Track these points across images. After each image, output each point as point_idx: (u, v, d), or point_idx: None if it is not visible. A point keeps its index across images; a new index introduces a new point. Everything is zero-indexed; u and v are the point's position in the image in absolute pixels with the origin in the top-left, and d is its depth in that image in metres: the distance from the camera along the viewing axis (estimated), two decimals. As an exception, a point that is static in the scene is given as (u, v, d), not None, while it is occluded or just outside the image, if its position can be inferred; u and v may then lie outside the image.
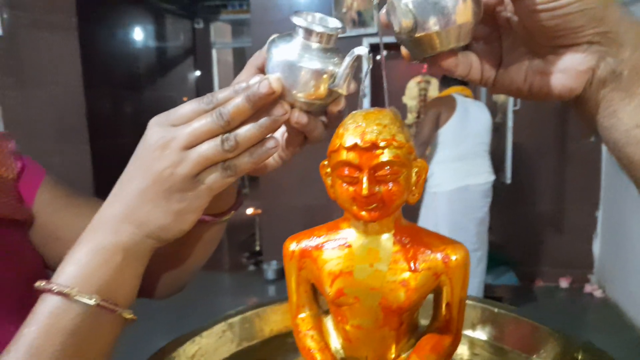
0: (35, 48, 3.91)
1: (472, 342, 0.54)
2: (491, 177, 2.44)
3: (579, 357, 0.45)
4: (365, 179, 0.31)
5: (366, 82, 3.30)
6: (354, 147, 0.31)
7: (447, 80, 2.52)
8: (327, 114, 0.38)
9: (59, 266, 0.37)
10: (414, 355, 0.33)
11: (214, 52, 5.77)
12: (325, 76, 0.35)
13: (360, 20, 3.61)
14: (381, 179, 0.31)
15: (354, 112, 0.34)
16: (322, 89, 0.35)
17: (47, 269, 0.56)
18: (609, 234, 3.15)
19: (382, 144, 0.31)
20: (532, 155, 3.26)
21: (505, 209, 3.46)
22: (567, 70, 0.35)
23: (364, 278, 0.33)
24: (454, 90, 2.41)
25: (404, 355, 0.34)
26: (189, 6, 5.48)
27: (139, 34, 4.83)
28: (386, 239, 0.34)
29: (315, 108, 0.36)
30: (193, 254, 0.52)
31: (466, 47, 0.37)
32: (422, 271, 0.33)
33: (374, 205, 0.32)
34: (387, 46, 0.44)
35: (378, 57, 0.41)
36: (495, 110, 3.41)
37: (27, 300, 0.41)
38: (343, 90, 0.35)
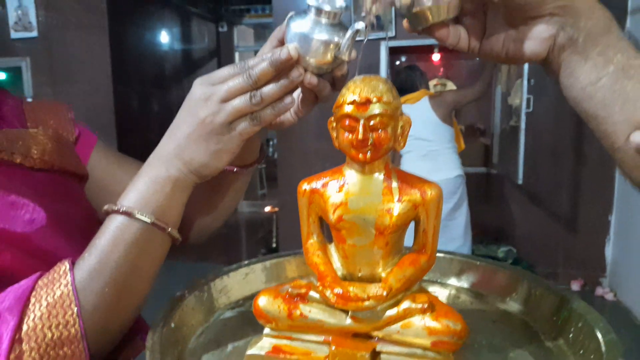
0: (67, 47, 4.10)
1: (457, 289, 0.63)
2: (454, 173, 2.58)
3: (539, 293, 0.54)
4: (361, 127, 0.41)
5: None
6: (353, 102, 0.41)
7: (403, 87, 2.74)
8: (334, 76, 0.48)
9: (122, 193, 0.47)
10: (396, 268, 0.43)
11: (237, 55, 5.93)
12: (332, 45, 0.45)
13: (379, 24, 3.69)
14: (373, 127, 0.41)
15: (354, 77, 0.44)
16: (330, 56, 0.45)
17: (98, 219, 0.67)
18: (621, 238, 3.16)
19: (374, 99, 0.40)
20: (546, 157, 3.30)
21: (518, 209, 3.50)
22: (534, 38, 0.44)
23: (358, 207, 0.43)
24: (405, 98, 2.63)
25: (388, 269, 0.43)
26: (214, 10, 5.65)
27: (165, 36, 5.01)
28: (377, 177, 0.43)
29: (323, 71, 0.47)
30: (222, 201, 0.62)
31: (456, 21, 0.47)
32: (404, 202, 0.42)
33: (368, 147, 0.41)
34: (404, 50, 0.53)
35: (397, 62, 0.50)
36: (510, 113, 3.46)
37: (88, 235, 0.52)
38: (346, 56, 0.45)
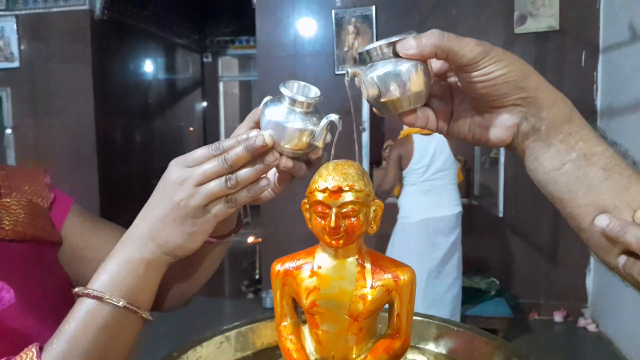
0: (49, 78, 4.08)
1: (435, 356, 0.63)
2: (456, 210, 2.60)
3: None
4: (333, 215, 0.41)
5: (365, 117, 3.44)
6: (325, 190, 0.41)
7: None
8: (309, 158, 0.49)
9: (93, 275, 0.47)
10: (370, 356, 0.42)
11: (221, 85, 5.98)
12: (306, 133, 0.46)
13: (361, 59, 3.78)
14: (345, 215, 0.41)
15: (326, 162, 0.44)
16: (304, 143, 0.46)
17: (71, 286, 0.65)
18: (601, 269, 3.17)
19: (345, 188, 0.41)
20: (526, 189, 3.35)
21: (500, 241, 3.53)
22: (499, 125, 0.46)
23: (332, 293, 0.43)
24: (414, 131, 2.58)
25: (362, 356, 0.43)
26: (199, 41, 5.72)
27: (150, 66, 5.03)
28: (350, 262, 0.43)
29: (298, 155, 0.47)
30: (198, 271, 0.61)
31: (425, 104, 0.48)
32: (377, 288, 0.43)
33: (340, 235, 0.42)
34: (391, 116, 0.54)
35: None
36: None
37: (59, 307, 0.51)
38: (320, 143, 0.46)
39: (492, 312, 3.19)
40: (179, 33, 5.36)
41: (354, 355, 0.43)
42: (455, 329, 0.63)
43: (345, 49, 3.80)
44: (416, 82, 0.44)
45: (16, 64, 4.10)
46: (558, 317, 3.33)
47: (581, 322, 3.25)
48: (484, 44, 0.42)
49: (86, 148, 4.01)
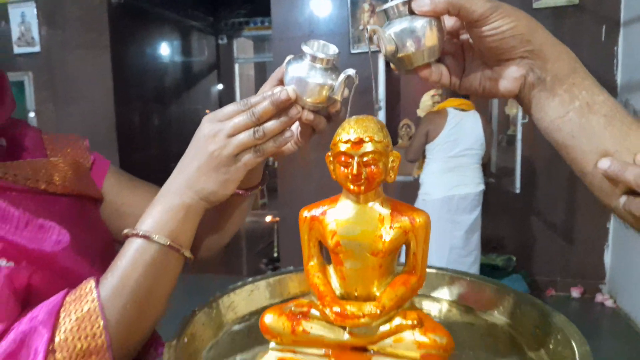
0: (69, 65, 4.16)
1: (448, 303, 0.67)
2: (479, 188, 2.60)
3: (522, 307, 0.59)
4: (355, 163, 0.46)
5: (381, 97, 3.46)
6: (348, 141, 0.46)
7: (449, 92, 2.70)
8: (329, 112, 0.54)
9: (136, 215, 0.53)
10: (389, 288, 0.47)
11: (237, 67, 6.01)
12: (326, 87, 0.50)
13: (376, 39, 3.77)
14: (366, 163, 0.46)
15: (347, 117, 0.49)
16: (324, 96, 0.51)
17: (113, 240, 0.72)
18: (620, 245, 3.20)
19: (366, 139, 0.45)
20: (543, 166, 3.35)
21: (516, 218, 3.54)
22: (507, 77, 0.49)
23: (354, 234, 0.48)
24: (449, 104, 2.59)
25: (382, 289, 0.48)
26: (213, 23, 5.74)
27: (166, 50, 5.08)
28: (371, 206, 0.48)
29: (319, 109, 0.52)
30: (228, 223, 0.67)
31: (439, 60, 0.52)
32: (395, 229, 0.47)
33: (362, 181, 0.46)
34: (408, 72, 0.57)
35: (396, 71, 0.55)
36: (508, 123, 3.52)
37: (105, 257, 0.57)
38: (338, 97, 0.51)
39: (508, 288, 3.21)
40: (193, 16, 5.39)
41: (374, 289, 0.48)
42: (468, 278, 0.68)
43: (361, 27, 3.79)
44: (430, 38, 0.47)
45: (37, 49, 4.18)
46: (575, 293, 3.35)
47: (598, 297, 3.26)
48: (493, 0, 0.46)
49: (106, 133, 4.09)
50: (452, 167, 2.55)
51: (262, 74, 6.83)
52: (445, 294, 0.69)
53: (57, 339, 0.46)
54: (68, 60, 4.15)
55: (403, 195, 3.10)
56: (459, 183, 2.54)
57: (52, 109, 4.24)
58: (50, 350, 0.46)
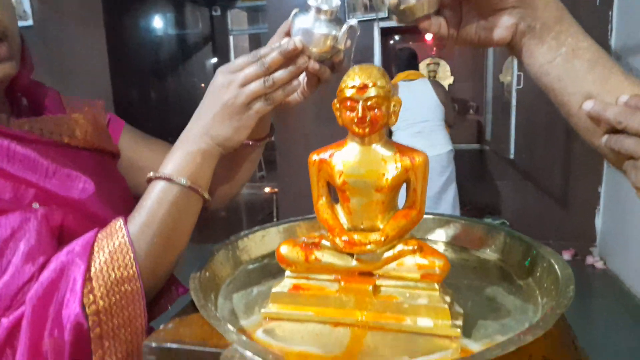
0: (62, 40, 4.12)
1: (443, 244, 0.73)
2: (446, 149, 2.75)
3: (512, 243, 0.64)
4: (360, 107, 0.50)
5: (377, 63, 3.46)
6: (353, 87, 0.50)
7: (398, 66, 2.93)
8: (332, 62, 0.58)
9: (162, 164, 0.57)
10: (392, 220, 0.53)
11: (231, 39, 5.96)
12: (330, 37, 0.55)
13: (371, 6, 3.75)
14: (370, 107, 0.50)
15: (354, 66, 0.53)
16: (328, 46, 0.55)
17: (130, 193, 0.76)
18: (611, 209, 3.28)
19: (370, 84, 0.50)
20: (537, 132, 3.39)
21: (510, 184, 3.61)
22: (500, 26, 0.54)
23: (360, 173, 0.52)
24: (397, 79, 2.81)
25: (385, 222, 0.53)
26: (207, -6, 5.66)
27: (160, 23, 5.03)
28: (375, 147, 0.53)
29: (324, 58, 0.57)
30: (238, 173, 0.72)
31: (437, 13, 0.56)
32: (397, 168, 0.52)
33: (366, 124, 0.51)
34: (397, 30, 0.61)
35: (392, 42, 0.59)
36: (502, 90, 3.54)
37: (125, 206, 0.62)
38: (342, 46, 0.55)
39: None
40: (186, -13, 5.31)
41: (378, 222, 0.53)
42: (462, 221, 0.73)
43: (356, -4, 3.76)
44: None
45: (30, 22, 4.12)
46: (566, 255, 3.45)
47: (589, 260, 3.37)
48: None
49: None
50: (417, 132, 2.71)
51: (256, 46, 6.76)
52: (441, 235, 0.74)
53: (92, 270, 0.51)
54: (61, 36, 4.10)
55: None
56: (426, 146, 2.64)
57: (48, 83, 4.20)
58: (87, 279, 0.51)
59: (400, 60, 3.00)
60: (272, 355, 0.42)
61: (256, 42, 6.74)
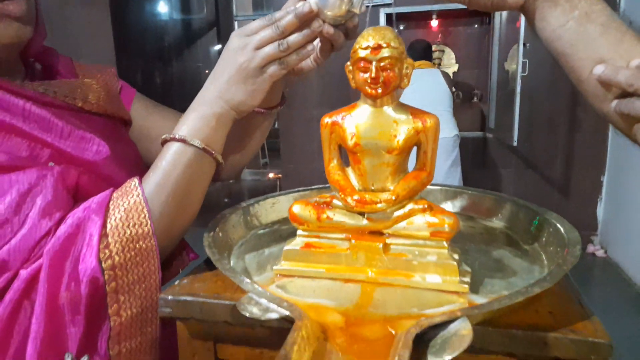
0: (68, 21, 4.10)
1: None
2: (452, 133, 2.86)
3: (518, 211, 0.65)
4: (373, 67, 0.51)
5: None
6: (367, 48, 0.51)
7: (412, 56, 3.02)
8: (347, 27, 0.58)
9: (175, 126, 0.58)
10: (402, 181, 0.53)
11: (236, 24, 5.91)
12: (345, 1, 0.55)
13: (378, -10, 3.72)
14: (383, 68, 0.51)
15: (367, 27, 0.53)
16: (343, 10, 0.55)
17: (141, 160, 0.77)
18: (613, 198, 3.29)
19: (383, 45, 0.50)
20: (541, 120, 3.39)
21: (514, 172, 3.61)
22: None
23: (371, 135, 0.53)
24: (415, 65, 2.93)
25: (396, 183, 0.54)
26: (211, -21, 5.62)
27: (165, 7, 5.01)
28: (387, 109, 0.53)
29: (338, 22, 0.57)
30: (249, 143, 0.73)
31: None
32: (408, 129, 0.53)
33: (379, 84, 0.51)
34: (404, 17, 0.61)
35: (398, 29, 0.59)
36: (507, 79, 3.53)
37: (138, 170, 0.63)
38: (357, 10, 0.55)
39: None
40: (191, -29, 5.27)
41: (389, 184, 0.54)
42: (469, 191, 0.74)
43: (362, -19, 3.73)
44: None
45: (34, 4, 4.10)
46: (568, 244, 3.46)
47: (590, 248, 3.38)
48: None
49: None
50: None
51: (261, 32, 6.74)
52: (449, 206, 0.75)
53: (108, 226, 0.52)
54: (66, 18, 4.08)
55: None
56: None
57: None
58: (103, 235, 0.52)
59: (415, 51, 3.10)
60: (286, 302, 0.43)
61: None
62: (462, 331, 0.37)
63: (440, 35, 3.86)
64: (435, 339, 0.38)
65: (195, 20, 5.54)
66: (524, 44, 2.89)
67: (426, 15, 3.56)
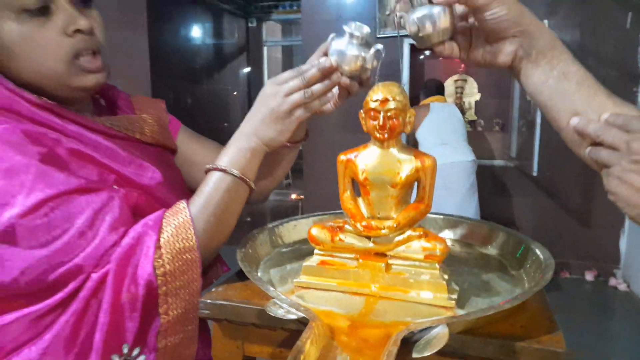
0: (108, 42, 4.37)
1: (451, 240, 0.83)
2: (469, 157, 3.00)
3: (509, 240, 0.74)
4: (381, 117, 0.62)
5: (405, 80, 3.57)
6: (376, 100, 0.62)
7: (427, 92, 3.39)
8: (361, 79, 0.70)
9: (218, 157, 0.70)
10: (404, 211, 0.64)
11: (265, 50, 6.16)
12: (360, 58, 0.66)
13: (402, 23, 3.86)
14: (390, 117, 0.62)
15: (378, 83, 0.65)
16: (358, 65, 0.67)
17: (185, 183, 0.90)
18: (636, 231, 3.27)
19: (390, 98, 0.61)
20: (561, 150, 3.41)
21: (533, 202, 3.64)
22: (503, 52, 0.64)
23: (379, 172, 0.64)
24: (430, 100, 3.25)
25: (398, 213, 0.64)
26: (244, 6, 5.89)
27: (198, 32, 5.26)
28: (392, 151, 0.64)
29: (354, 75, 0.68)
30: (277, 170, 0.85)
31: (451, 38, 0.67)
32: (409, 168, 0.63)
33: (386, 131, 0.62)
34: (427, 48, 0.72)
35: (421, 57, 0.71)
36: (529, 108, 3.59)
37: (182, 193, 0.75)
38: (369, 66, 0.67)
39: (522, 268, 3.33)
40: (225, -1, 5.54)
41: (392, 213, 0.64)
42: (468, 222, 0.83)
43: (387, 12, 3.89)
44: (444, 21, 0.62)
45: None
46: (589, 276, 3.45)
47: (612, 281, 3.36)
48: None
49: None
50: (443, 144, 3.01)
51: (289, 57, 6.97)
52: (449, 234, 0.85)
53: (161, 240, 0.64)
54: (107, 37, 4.35)
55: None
56: (450, 154, 2.94)
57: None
58: (157, 247, 0.64)
59: (429, 89, 3.38)
60: (303, 307, 0.54)
61: (289, 53, 6.94)
62: (441, 334, 0.47)
63: (462, 65, 3.96)
64: (420, 340, 0.48)
65: (226, 45, 5.79)
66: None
67: (449, 46, 3.68)
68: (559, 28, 3.41)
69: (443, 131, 3.04)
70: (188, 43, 5.12)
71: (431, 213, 0.80)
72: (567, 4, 3.35)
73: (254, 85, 6.17)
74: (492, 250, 0.78)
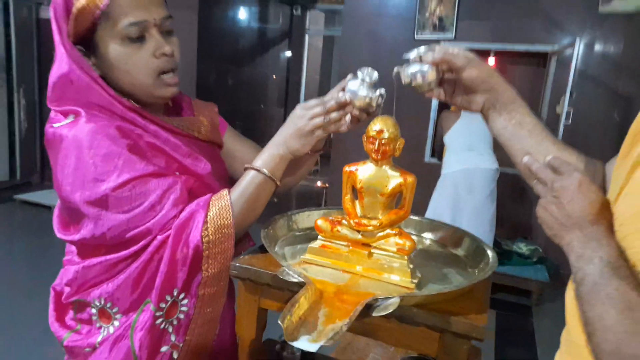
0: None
1: (430, 240, 1.04)
2: (494, 166, 3.12)
3: (472, 243, 0.95)
4: (377, 143, 0.83)
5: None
6: (375, 130, 0.83)
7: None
8: (368, 111, 0.91)
9: (255, 159, 0.93)
10: (387, 215, 0.85)
11: (307, 38, 6.34)
12: (368, 97, 0.87)
13: (441, 26, 3.98)
14: (384, 144, 0.83)
15: (377, 116, 0.85)
16: (367, 102, 0.87)
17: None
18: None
19: (385, 130, 0.82)
20: (581, 166, 3.50)
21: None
22: (475, 102, 0.84)
23: (373, 182, 0.85)
24: (455, 108, 3.31)
25: (383, 215, 0.86)
26: (290, -6, 6.07)
27: (245, 15, 5.49)
28: (384, 168, 0.85)
29: (362, 109, 0.89)
30: (300, 170, 1.07)
31: (439, 85, 0.87)
32: (396, 183, 0.84)
33: (380, 154, 0.83)
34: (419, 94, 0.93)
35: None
36: (557, 120, 3.68)
37: (225, 182, 0.98)
38: (374, 104, 0.87)
39: (530, 275, 3.48)
40: (273, -15, 5.73)
41: (379, 215, 0.86)
42: (445, 227, 1.04)
43: (427, 14, 4.01)
44: (430, 75, 0.83)
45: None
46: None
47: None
48: (469, 55, 0.80)
49: (187, 87, 4.58)
50: (470, 148, 3.14)
51: (329, 48, 7.13)
52: (430, 235, 1.06)
53: (208, 217, 0.88)
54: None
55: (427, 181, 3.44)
56: (476, 159, 3.09)
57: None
58: (204, 222, 0.87)
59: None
60: (304, 275, 0.76)
61: (329, 44, 7.09)
62: (393, 303, 0.69)
63: (495, 73, 4.06)
64: (380, 305, 0.70)
65: (270, 30, 6.00)
66: (571, 94, 3.06)
67: (484, 53, 3.78)
68: (605, 41, 3.46)
69: (471, 137, 3.18)
70: (234, 26, 5.35)
71: (421, 218, 1.01)
72: (608, 22, 3.40)
73: (293, 71, 6.38)
74: (460, 252, 0.99)
